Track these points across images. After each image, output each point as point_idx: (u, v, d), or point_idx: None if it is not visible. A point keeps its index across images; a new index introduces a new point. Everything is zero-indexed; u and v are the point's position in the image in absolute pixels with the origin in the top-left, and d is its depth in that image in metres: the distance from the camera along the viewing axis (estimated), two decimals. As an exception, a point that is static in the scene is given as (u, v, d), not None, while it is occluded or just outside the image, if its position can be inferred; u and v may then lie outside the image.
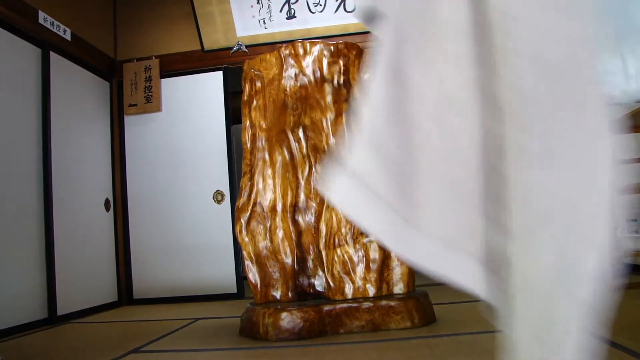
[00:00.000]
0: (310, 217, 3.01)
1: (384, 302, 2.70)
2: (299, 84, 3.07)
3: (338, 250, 2.83)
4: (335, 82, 3.02)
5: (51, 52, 4.11)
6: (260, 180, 3.05)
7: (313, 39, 3.16)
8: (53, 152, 3.99)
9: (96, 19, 4.96)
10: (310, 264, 3.03)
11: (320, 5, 4.83)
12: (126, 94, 5.04)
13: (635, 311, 2.70)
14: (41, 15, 3.96)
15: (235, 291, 4.78)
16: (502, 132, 0.77)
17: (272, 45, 4.77)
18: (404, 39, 0.87)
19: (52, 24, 4.09)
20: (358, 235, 2.82)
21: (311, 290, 3.03)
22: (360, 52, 3.12)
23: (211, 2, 4.85)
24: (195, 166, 4.95)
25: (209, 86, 5.05)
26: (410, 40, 0.87)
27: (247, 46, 4.97)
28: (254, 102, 3.18)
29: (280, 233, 2.99)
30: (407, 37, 0.87)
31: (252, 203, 3.05)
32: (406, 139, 0.86)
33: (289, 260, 2.98)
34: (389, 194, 0.86)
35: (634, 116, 3.06)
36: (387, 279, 2.85)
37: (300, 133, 3.04)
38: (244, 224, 3.05)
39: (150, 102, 4.99)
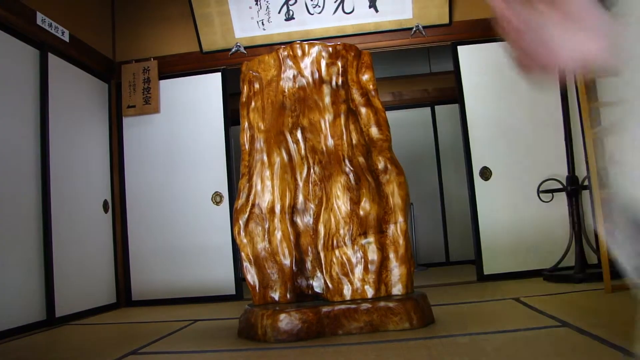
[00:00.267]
0: (308, 219, 3.01)
1: (382, 304, 2.69)
2: (297, 86, 3.07)
3: (336, 252, 2.83)
4: (334, 83, 3.02)
5: (49, 54, 4.10)
6: (259, 181, 3.05)
7: (311, 41, 3.16)
8: (51, 154, 3.99)
9: (94, 21, 4.96)
10: (308, 265, 3.03)
11: (319, 6, 4.83)
12: (124, 95, 5.04)
13: (634, 312, 2.70)
14: (39, 16, 3.96)
15: (234, 292, 4.78)
16: None
17: (271, 47, 4.78)
18: None
19: (50, 26, 4.09)
20: (356, 236, 2.82)
21: (310, 292, 3.03)
22: (358, 54, 3.12)
23: (210, 4, 4.85)
24: (193, 167, 4.95)
25: (208, 87, 5.05)
26: None
27: (245, 47, 4.98)
28: (252, 103, 3.18)
29: (278, 234, 2.99)
30: None
31: (250, 204, 3.05)
32: None
33: (287, 261, 2.98)
34: None
35: None
36: (386, 281, 2.85)
37: (299, 134, 3.04)
38: (242, 226, 3.05)
39: (149, 103, 4.99)
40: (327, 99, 2.99)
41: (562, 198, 4.48)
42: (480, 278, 4.63)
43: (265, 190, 3.03)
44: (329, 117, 2.96)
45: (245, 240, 3.04)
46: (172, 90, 5.07)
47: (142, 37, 5.22)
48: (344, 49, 3.07)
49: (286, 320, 2.64)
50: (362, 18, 4.84)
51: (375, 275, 2.81)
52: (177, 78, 5.09)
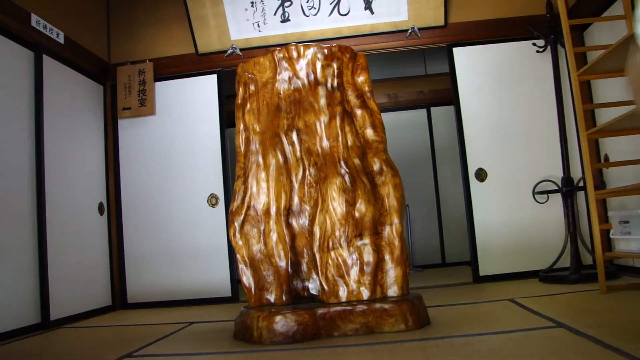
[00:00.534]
0: (304, 221, 3.01)
1: (378, 305, 2.69)
2: (292, 87, 3.07)
3: (332, 254, 2.83)
4: (329, 85, 3.02)
5: (44, 56, 4.10)
6: (254, 183, 3.05)
7: (307, 42, 3.16)
8: (46, 156, 3.98)
9: (90, 22, 4.95)
10: (304, 267, 3.03)
11: (315, 8, 4.84)
12: (120, 97, 5.03)
13: (628, 312, 2.71)
14: (34, 18, 3.95)
15: (230, 295, 4.78)
16: None
17: (266, 49, 4.79)
18: None
19: (45, 27, 4.08)
20: (352, 238, 2.82)
21: (305, 294, 3.03)
22: (353, 55, 3.12)
23: (205, 5, 4.85)
24: (189, 170, 4.95)
25: (203, 89, 5.05)
26: None
27: (241, 49, 4.98)
28: (248, 105, 3.18)
29: (274, 236, 2.98)
30: None
31: (245, 206, 3.05)
32: None
33: (283, 263, 2.98)
34: None
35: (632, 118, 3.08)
36: (381, 282, 2.85)
37: (294, 136, 3.04)
38: (237, 228, 3.04)
39: (144, 105, 4.98)
40: (323, 101, 2.99)
41: (557, 199, 4.49)
42: (476, 279, 4.63)
43: (261, 192, 3.03)
44: (324, 118, 2.97)
45: (240, 242, 3.03)
46: (167, 92, 5.06)
47: (137, 38, 5.22)
48: (340, 50, 3.07)
49: (282, 322, 2.64)
50: (357, 20, 4.85)
51: (371, 277, 2.81)
52: (173, 80, 5.09)
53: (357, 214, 2.82)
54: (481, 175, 4.70)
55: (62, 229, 4.12)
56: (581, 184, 4.34)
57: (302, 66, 3.06)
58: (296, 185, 3.03)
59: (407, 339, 2.48)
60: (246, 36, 4.95)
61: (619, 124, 3.23)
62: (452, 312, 3.19)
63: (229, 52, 4.98)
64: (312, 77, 3.03)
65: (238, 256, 3.05)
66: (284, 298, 2.98)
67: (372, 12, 4.82)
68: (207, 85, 5.04)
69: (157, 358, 2.59)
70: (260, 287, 3.01)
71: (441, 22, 4.84)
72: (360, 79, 3.12)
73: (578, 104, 3.55)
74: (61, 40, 4.31)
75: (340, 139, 2.93)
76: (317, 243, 2.88)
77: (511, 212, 4.65)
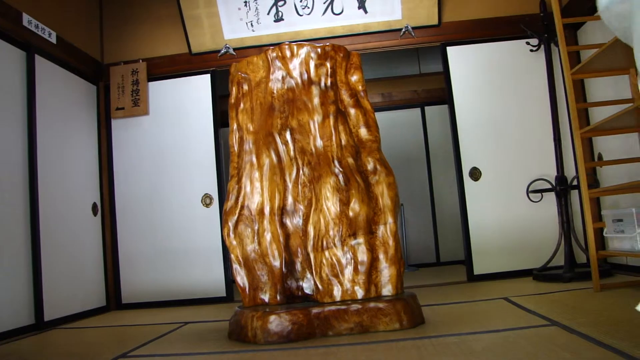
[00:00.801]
0: (298, 220, 3.01)
1: (372, 304, 2.69)
2: (286, 87, 3.06)
3: (326, 253, 2.83)
4: (323, 84, 3.02)
5: (36, 56, 4.08)
6: (248, 183, 3.04)
7: (300, 42, 3.16)
8: (39, 157, 3.97)
9: (82, 22, 4.93)
10: (298, 266, 3.02)
11: (308, 7, 4.83)
12: (113, 97, 5.02)
13: (622, 310, 2.71)
14: (25, 17, 3.94)
15: (225, 295, 4.77)
16: None
17: (260, 48, 4.78)
18: None
19: (37, 27, 4.07)
20: (346, 237, 2.82)
21: (300, 293, 3.03)
22: (347, 55, 3.12)
23: (198, 5, 4.84)
24: (183, 170, 4.94)
25: (197, 89, 5.04)
26: None
27: (234, 49, 4.97)
28: (241, 104, 3.17)
29: (268, 236, 2.98)
30: None
31: (239, 206, 3.04)
32: None
33: (277, 263, 2.98)
34: None
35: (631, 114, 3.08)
36: (376, 281, 2.84)
37: (288, 136, 3.04)
38: (231, 227, 3.04)
39: (138, 105, 4.97)
40: (316, 100, 2.98)
41: (551, 198, 4.50)
42: (470, 278, 4.64)
43: (255, 192, 3.02)
44: (317, 118, 2.96)
45: (234, 242, 3.03)
46: (161, 92, 5.05)
47: (130, 38, 5.20)
48: (333, 49, 3.06)
49: (276, 322, 2.63)
50: (351, 19, 4.85)
51: (365, 276, 2.81)
52: (166, 80, 5.08)
53: (351, 214, 2.82)
54: (475, 174, 4.71)
55: (55, 229, 4.11)
56: (575, 182, 4.35)
57: (295, 65, 3.05)
58: (290, 185, 3.03)
59: (402, 338, 2.48)
60: (240, 36, 4.95)
61: (613, 123, 3.24)
62: (447, 311, 3.19)
63: (222, 51, 4.98)
64: (305, 76, 3.03)
65: (232, 256, 3.04)
66: (278, 298, 2.97)
67: (365, 12, 4.82)
68: (200, 85, 5.03)
69: (152, 358, 2.58)
70: (255, 286, 3.01)
71: (435, 21, 4.85)
72: (354, 78, 3.12)
73: (572, 103, 3.56)
74: (53, 40, 4.29)
75: (334, 138, 2.93)
76: (311, 242, 2.87)
77: (505, 211, 4.66)
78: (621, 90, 3.81)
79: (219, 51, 4.99)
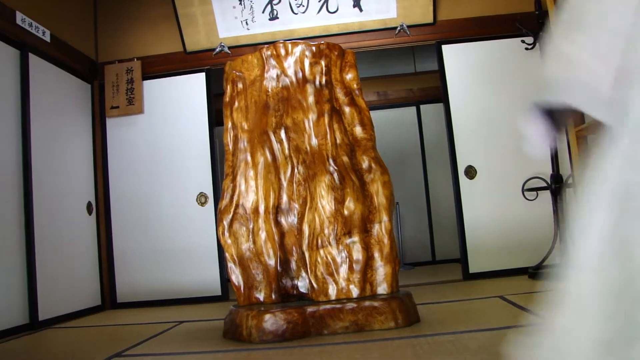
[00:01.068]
0: (293, 219, 3.00)
1: (367, 303, 2.69)
2: (280, 85, 3.06)
3: (321, 252, 2.82)
4: (317, 82, 3.01)
5: (30, 54, 4.06)
6: (243, 181, 3.04)
7: (295, 40, 3.15)
8: (33, 156, 3.95)
9: (76, 21, 4.91)
10: (293, 265, 3.02)
11: (303, 6, 4.82)
12: (108, 96, 5.00)
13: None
14: (19, 16, 3.92)
15: (220, 293, 4.76)
16: None
17: (255, 47, 4.76)
18: None
19: (31, 25, 4.05)
20: (341, 236, 2.82)
21: (295, 292, 3.02)
22: (342, 53, 3.12)
23: (193, 3, 4.83)
24: (178, 168, 4.92)
25: (192, 88, 5.02)
26: None
27: (229, 47, 4.96)
28: (236, 103, 3.17)
29: (263, 235, 2.97)
30: None
31: (234, 205, 3.03)
32: None
33: (272, 262, 2.97)
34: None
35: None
36: (371, 280, 2.84)
37: (282, 134, 3.03)
38: (226, 226, 3.03)
39: (132, 104, 4.96)
40: (311, 99, 2.98)
41: (546, 196, 4.50)
42: (466, 276, 4.64)
43: (249, 191, 3.02)
44: (312, 116, 2.96)
45: (229, 241, 3.02)
46: (155, 90, 5.04)
47: (125, 37, 5.18)
48: (328, 48, 3.06)
49: (271, 321, 2.63)
50: (346, 17, 4.84)
51: (360, 275, 2.81)
52: (161, 78, 5.06)
53: (346, 212, 2.81)
54: (471, 172, 4.71)
55: (50, 229, 4.09)
56: (570, 181, 4.35)
57: (290, 64, 3.05)
58: (285, 183, 3.02)
59: (397, 336, 2.48)
60: (234, 34, 4.94)
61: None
62: (442, 310, 3.19)
63: (217, 50, 4.96)
64: (300, 74, 3.02)
65: (227, 255, 3.04)
66: (273, 296, 2.97)
67: (360, 10, 4.81)
68: (195, 84, 5.02)
69: (146, 358, 2.57)
70: (250, 285, 3.00)
71: (430, 20, 4.84)
72: (349, 76, 3.12)
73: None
74: (47, 38, 4.27)
75: (328, 136, 2.92)
76: (306, 241, 2.87)
77: (501, 209, 4.66)
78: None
79: (213, 50, 4.98)
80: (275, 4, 4.82)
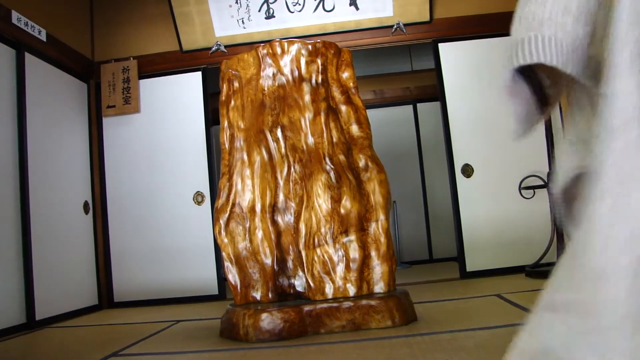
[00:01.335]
0: (289, 218, 3.00)
1: (364, 302, 2.69)
2: (277, 84, 3.06)
3: (318, 250, 2.82)
4: (314, 81, 3.01)
5: (26, 53, 4.05)
6: (239, 180, 3.03)
7: (291, 39, 3.15)
8: (29, 155, 3.94)
9: (72, 20, 4.90)
10: (290, 264, 3.02)
11: (299, 4, 4.82)
12: (104, 95, 4.99)
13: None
14: (14, 15, 3.91)
15: (217, 292, 4.76)
16: None
17: (251, 45, 4.75)
18: None
19: (27, 25, 4.04)
20: (338, 235, 2.82)
21: (291, 291, 3.02)
22: (338, 51, 3.11)
23: (189, 2, 4.82)
24: (175, 167, 4.92)
25: (188, 87, 5.02)
26: None
27: (226, 46, 4.95)
28: (232, 102, 3.16)
29: (259, 234, 2.97)
30: None
31: (231, 204, 3.03)
32: None
33: (268, 260, 2.97)
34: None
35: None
36: (368, 279, 2.84)
37: (279, 133, 3.03)
38: (223, 225, 3.03)
39: (129, 103, 4.95)
40: (307, 97, 2.97)
41: (543, 194, 4.51)
42: (463, 275, 4.64)
43: (246, 190, 3.01)
44: (309, 115, 2.95)
45: (226, 240, 3.02)
46: (152, 89, 5.03)
47: (121, 36, 5.17)
48: (324, 46, 3.06)
49: (268, 320, 2.63)
50: (342, 16, 4.84)
51: (357, 274, 2.80)
52: (157, 77, 5.05)
53: (342, 211, 2.81)
54: (467, 171, 4.71)
55: (46, 228, 4.08)
56: (567, 178, 4.35)
57: (286, 62, 3.05)
58: (281, 182, 3.02)
59: (394, 335, 2.48)
60: (231, 33, 4.93)
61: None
62: (439, 308, 3.19)
63: (213, 49, 4.96)
64: (296, 73, 3.02)
65: (224, 254, 3.03)
66: (270, 295, 2.96)
67: (357, 8, 4.81)
68: (192, 83, 5.01)
69: (143, 357, 2.57)
70: (246, 284, 3.00)
71: (426, 18, 4.84)
72: (345, 75, 3.11)
73: (563, 99, 3.55)
74: (43, 37, 4.26)
75: (325, 135, 2.92)
76: (303, 240, 2.87)
77: (498, 207, 4.66)
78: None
79: (210, 48, 4.97)
80: (271, 3, 4.82)
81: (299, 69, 3.02)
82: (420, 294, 3.82)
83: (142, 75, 5.02)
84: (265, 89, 3.07)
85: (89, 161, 4.91)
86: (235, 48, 4.91)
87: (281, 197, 3.01)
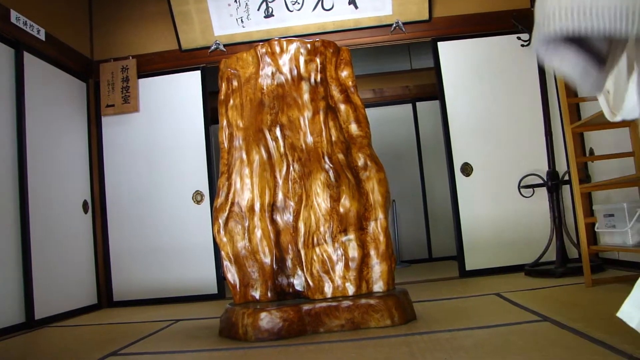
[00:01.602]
0: (288, 217, 3.00)
1: (363, 301, 2.69)
2: (275, 83, 3.05)
3: (317, 249, 2.82)
4: (312, 80, 3.00)
5: (25, 53, 4.04)
6: (238, 179, 3.03)
7: (290, 37, 3.14)
8: (29, 155, 3.94)
9: (71, 19, 4.90)
10: (289, 263, 3.01)
11: (298, 3, 4.81)
12: (103, 94, 4.98)
13: (613, 306, 2.72)
14: (13, 14, 3.90)
15: (216, 292, 4.75)
16: None
17: (250, 44, 4.75)
18: None
19: (26, 24, 4.03)
20: (337, 234, 2.81)
21: (290, 290, 3.02)
22: (337, 50, 3.11)
23: (188, 1, 4.81)
24: (174, 166, 4.91)
25: (187, 86, 5.01)
26: None
27: (225, 45, 4.95)
28: (231, 101, 3.16)
29: (258, 233, 2.97)
30: None
31: (230, 203, 3.03)
32: None
33: (267, 260, 2.97)
34: None
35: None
36: (367, 278, 2.84)
37: (278, 132, 3.03)
38: (222, 224, 3.02)
39: (128, 102, 4.94)
40: (306, 96, 2.97)
41: (542, 193, 4.51)
42: (462, 274, 4.64)
43: (245, 189, 3.01)
44: (307, 114, 2.95)
45: (225, 239, 3.01)
46: (151, 88, 5.02)
47: (120, 35, 5.17)
48: (323, 45, 3.05)
49: (267, 319, 2.63)
50: (341, 15, 4.83)
51: (356, 273, 2.80)
52: (157, 76, 5.05)
53: (341, 210, 2.81)
54: (467, 169, 4.70)
55: (46, 227, 4.08)
56: (566, 177, 4.35)
57: (285, 61, 3.04)
58: (280, 181, 3.02)
59: (393, 334, 2.48)
60: (230, 32, 4.93)
61: (604, 118, 3.24)
62: (438, 307, 3.19)
63: (212, 48, 4.95)
64: (295, 72, 3.02)
65: (223, 253, 3.03)
66: (269, 294, 2.96)
67: (356, 7, 4.80)
68: (191, 82, 5.01)
69: (142, 356, 2.57)
70: (245, 283, 3.00)
71: (425, 17, 4.84)
72: (344, 73, 3.11)
73: (563, 98, 3.55)
74: (42, 37, 4.26)
75: (324, 134, 2.92)
76: (302, 239, 2.86)
77: (497, 206, 4.66)
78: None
79: (209, 47, 4.96)
80: (270, 2, 4.81)
81: (297, 67, 3.02)
82: (419, 293, 3.82)
83: (141, 74, 5.02)
84: (264, 87, 3.06)
85: (88, 160, 4.91)
86: (234, 47, 4.90)
87: (280, 196, 3.01)
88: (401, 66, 7.26)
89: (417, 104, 7.29)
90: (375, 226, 2.87)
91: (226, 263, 3.02)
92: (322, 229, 2.81)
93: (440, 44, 4.86)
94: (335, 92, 3.06)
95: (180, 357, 2.47)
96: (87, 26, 5.16)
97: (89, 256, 4.74)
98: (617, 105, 1.15)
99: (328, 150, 2.89)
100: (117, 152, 4.99)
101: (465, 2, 4.88)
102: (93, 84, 5.07)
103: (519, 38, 4.70)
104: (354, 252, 2.81)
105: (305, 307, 2.69)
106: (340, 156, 2.91)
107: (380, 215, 2.88)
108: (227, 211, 3.02)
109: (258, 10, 4.84)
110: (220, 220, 3.03)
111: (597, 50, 1.11)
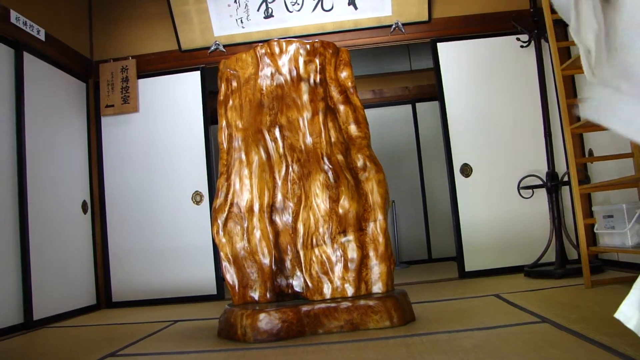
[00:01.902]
0: (287, 217, 2.99)
1: (362, 302, 2.68)
2: (275, 83, 3.05)
3: (316, 250, 2.81)
4: (312, 81, 3.00)
5: (25, 53, 4.04)
6: (237, 180, 3.03)
7: (289, 38, 3.14)
8: (28, 155, 3.93)
9: (71, 19, 4.90)
10: (288, 264, 3.01)
11: (298, 4, 4.81)
12: (103, 94, 4.98)
13: (612, 307, 2.71)
14: (13, 14, 3.90)
15: (215, 292, 4.75)
16: None
17: (250, 45, 4.75)
18: None
19: (25, 24, 4.03)
20: (336, 234, 2.81)
21: (289, 291, 3.02)
22: (336, 51, 3.11)
23: (188, 2, 4.81)
24: (173, 167, 4.91)
25: (187, 86, 5.01)
26: None
27: (224, 46, 4.95)
28: (230, 101, 3.16)
29: (257, 233, 2.97)
30: None
31: (229, 204, 3.02)
32: None
33: (266, 260, 2.96)
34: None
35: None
36: (366, 279, 2.84)
37: (277, 132, 3.02)
38: (221, 225, 3.02)
39: (128, 102, 4.94)
40: (305, 97, 2.97)
41: (542, 194, 4.50)
42: (462, 275, 4.64)
43: (244, 189, 3.01)
44: (307, 115, 2.95)
45: (224, 240, 3.01)
46: (151, 89, 5.02)
47: (120, 35, 5.17)
48: (322, 46, 3.05)
49: (266, 320, 2.62)
50: (341, 15, 4.83)
51: (355, 274, 2.80)
52: (156, 77, 5.05)
53: (340, 211, 2.81)
54: (466, 170, 4.70)
55: (45, 228, 4.08)
56: (566, 178, 4.35)
57: (284, 62, 3.04)
58: (279, 182, 3.02)
59: (392, 335, 2.48)
60: (229, 32, 4.93)
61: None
62: (437, 308, 3.18)
63: (212, 48, 4.95)
64: (294, 72, 3.02)
65: (222, 254, 3.03)
66: (268, 295, 2.96)
67: (355, 8, 4.81)
68: (190, 82, 5.01)
69: (141, 357, 2.56)
70: (244, 284, 2.99)
71: (425, 18, 4.84)
72: (343, 74, 3.11)
73: (562, 99, 3.56)
74: (42, 37, 4.25)
75: (323, 135, 2.92)
76: (301, 240, 2.86)
77: (496, 207, 4.66)
78: None
79: (208, 48, 4.96)
80: (270, 2, 4.81)
81: (297, 68, 3.02)
82: (418, 294, 3.81)
83: (141, 75, 5.01)
84: (264, 88, 3.06)
85: (88, 160, 4.91)
86: (234, 47, 4.91)
87: (279, 197, 3.01)
88: (401, 67, 7.27)
89: (417, 104, 7.30)
90: (375, 227, 2.87)
91: (225, 264, 3.02)
92: (321, 229, 2.81)
93: (439, 45, 4.86)
94: (335, 93, 3.05)
95: (179, 358, 2.47)
96: (87, 26, 5.16)
97: (88, 256, 4.74)
98: (598, 65, 1.20)
99: (327, 151, 2.89)
100: (116, 153, 4.99)
101: (465, 3, 4.88)
102: (93, 84, 5.07)
103: (518, 39, 4.70)
104: (353, 253, 2.81)
105: (304, 308, 2.69)
106: (340, 157, 2.90)
107: (380, 216, 2.88)
108: (226, 212, 3.02)
109: (258, 10, 4.84)
110: (219, 221, 3.03)
111: None
